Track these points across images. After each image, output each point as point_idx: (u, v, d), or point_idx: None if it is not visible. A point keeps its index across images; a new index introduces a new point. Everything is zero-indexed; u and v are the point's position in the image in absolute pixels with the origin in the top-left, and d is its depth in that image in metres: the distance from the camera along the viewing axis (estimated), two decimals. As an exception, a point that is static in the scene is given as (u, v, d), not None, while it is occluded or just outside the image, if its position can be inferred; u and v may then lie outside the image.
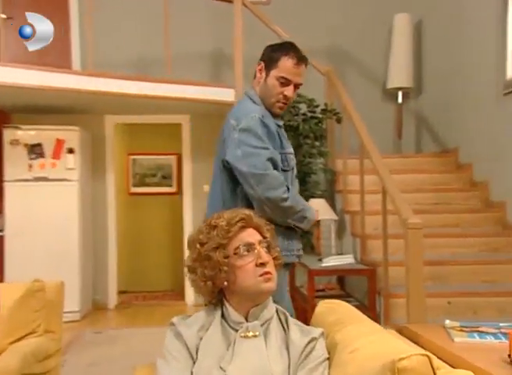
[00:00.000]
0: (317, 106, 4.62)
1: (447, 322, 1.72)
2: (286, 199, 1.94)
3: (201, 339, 1.37)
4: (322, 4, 5.67)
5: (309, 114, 4.60)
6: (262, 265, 1.38)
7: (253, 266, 1.38)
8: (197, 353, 1.35)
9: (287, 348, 1.37)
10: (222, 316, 1.42)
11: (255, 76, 2.08)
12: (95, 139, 5.53)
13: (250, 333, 1.37)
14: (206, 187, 3.97)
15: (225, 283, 1.41)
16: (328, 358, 1.39)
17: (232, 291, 1.42)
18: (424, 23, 5.72)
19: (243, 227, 1.43)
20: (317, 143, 4.56)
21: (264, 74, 2.04)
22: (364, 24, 5.70)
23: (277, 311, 1.46)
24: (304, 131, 4.45)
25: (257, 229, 1.45)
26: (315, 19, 5.56)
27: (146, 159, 6.74)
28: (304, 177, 4.56)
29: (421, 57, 5.74)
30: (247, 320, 1.39)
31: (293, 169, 2.08)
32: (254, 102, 2.05)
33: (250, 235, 1.42)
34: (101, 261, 5.54)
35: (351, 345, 1.39)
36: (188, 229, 5.53)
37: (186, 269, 1.48)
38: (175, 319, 1.43)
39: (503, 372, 1.31)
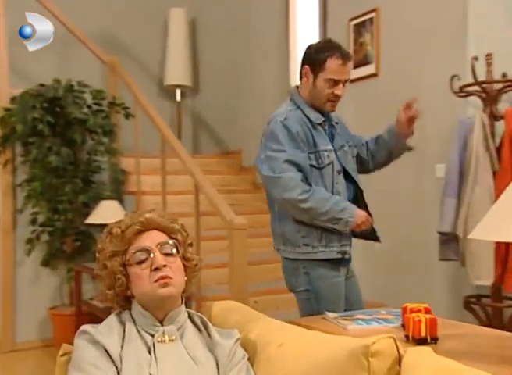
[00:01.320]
0: (103, 99, 4.50)
1: (328, 314, 1.93)
2: (303, 200, 2.04)
3: (122, 347, 1.33)
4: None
5: (95, 107, 4.46)
6: (157, 269, 1.36)
7: (148, 273, 1.36)
8: (121, 362, 1.31)
9: (211, 351, 1.40)
10: (133, 321, 1.39)
11: (301, 78, 2.21)
12: None
13: (167, 338, 1.37)
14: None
15: (129, 292, 1.40)
16: (248, 357, 1.45)
17: (138, 299, 1.40)
18: (199, 20, 6.03)
19: (141, 232, 1.40)
20: (105, 139, 4.44)
21: (311, 78, 2.15)
22: (141, 15, 5.69)
23: (190, 315, 1.47)
24: (92, 126, 4.29)
25: (162, 230, 1.43)
26: (96, 2, 5.34)
27: None
28: (86, 176, 4.40)
29: (198, 55, 6.05)
30: (162, 325, 1.39)
31: (330, 164, 2.14)
32: (295, 103, 2.19)
33: (149, 239, 1.40)
34: None
35: (275, 341, 1.49)
36: None
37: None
38: (88, 328, 1.35)
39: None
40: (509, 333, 1.65)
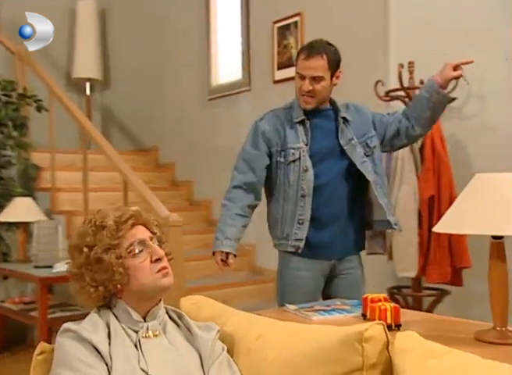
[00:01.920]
0: (13, 90, 4.26)
1: (288, 306, 2.00)
2: (223, 202, 2.32)
3: (109, 344, 1.33)
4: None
5: (4, 98, 4.21)
6: (158, 260, 1.39)
7: (149, 263, 1.38)
8: (110, 359, 1.30)
9: (192, 344, 1.43)
10: (116, 318, 1.39)
11: None
12: None
13: (150, 333, 1.38)
14: None
15: (119, 286, 1.38)
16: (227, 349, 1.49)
17: (128, 292, 1.39)
18: (110, 11, 5.86)
19: (134, 225, 1.41)
20: (15, 133, 4.21)
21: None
22: (49, 3, 5.45)
23: (166, 309, 1.48)
24: (1, 118, 4.05)
25: (146, 225, 1.45)
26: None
27: None
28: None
29: (109, 48, 5.89)
30: (144, 320, 1.40)
31: (294, 161, 2.23)
32: (291, 103, 2.34)
33: (141, 232, 1.42)
34: None
35: (252, 333, 1.54)
36: None
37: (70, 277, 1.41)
38: (71, 326, 1.33)
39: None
40: (457, 319, 1.82)
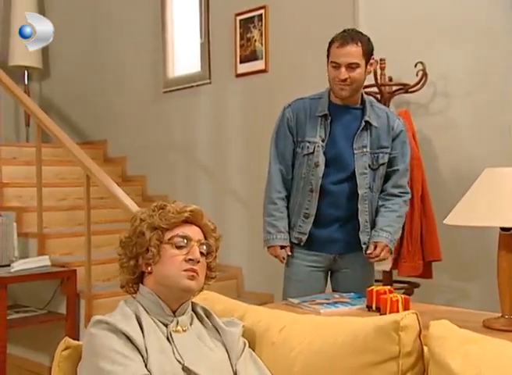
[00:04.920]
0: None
1: (291, 300, 2.04)
2: (266, 198, 2.47)
3: (144, 335, 1.34)
4: None
5: None
6: (191, 261, 1.41)
7: (181, 259, 1.41)
8: (146, 351, 1.31)
9: (219, 339, 1.47)
10: (145, 310, 1.41)
11: None
12: None
13: (180, 328, 1.42)
14: None
15: (149, 268, 1.43)
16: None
17: (154, 280, 1.43)
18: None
19: (188, 221, 1.46)
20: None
21: (327, 65, 2.30)
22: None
23: (193, 305, 1.52)
24: None
25: (203, 229, 1.48)
26: None
27: None
28: None
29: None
30: (175, 315, 1.43)
31: (308, 155, 2.31)
32: (322, 92, 2.38)
33: (192, 231, 1.46)
34: None
35: (273, 327, 1.58)
36: None
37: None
38: (103, 318, 1.34)
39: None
40: (461, 309, 1.93)
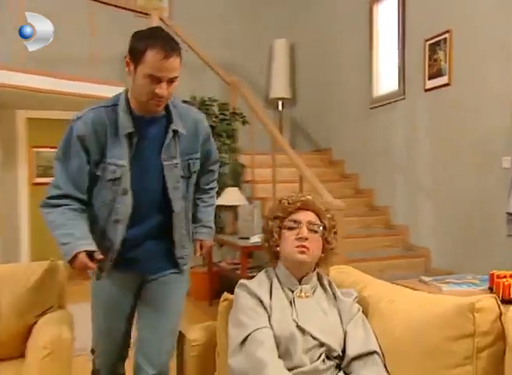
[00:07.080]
0: (227, 110, 4.63)
1: (423, 277, 1.90)
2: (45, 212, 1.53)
3: (271, 297, 1.38)
4: (222, 19, 5.64)
5: (220, 116, 4.60)
6: (300, 239, 1.40)
7: (293, 239, 1.41)
8: (270, 309, 1.35)
9: (335, 306, 1.44)
10: (277, 278, 1.44)
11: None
12: (5, 133, 4.86)
13: (303, 294, 1.41)
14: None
15: (277, 248, 1.45)
16: (362, 310, 1.46)
17: (282, 257, 1.44)
18: (297, 46, 6.01)
19: (301, 209, 1.45)
20: (228, 141, 4.58)
21: (132, 68, 1.47)
22: (253, 44, 5.78)
23: (320, 277, 1.50)
24: (219, 131, 4.44)
25: (317, 213, 1.46)
26: (214, 33, 5.49)
27: (49, 152, 6.08)
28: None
29: (296, 74, 6.04)
30: (300, 283, 1.43)
31: (113, 180, 1.53)
32: (114, 100, 1.54)
33: (303, 215, 1.44)
34: (12, 248, 4.91)
35: (384, 298, 1.49)
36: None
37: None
38: (245, 282, 1.42)
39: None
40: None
